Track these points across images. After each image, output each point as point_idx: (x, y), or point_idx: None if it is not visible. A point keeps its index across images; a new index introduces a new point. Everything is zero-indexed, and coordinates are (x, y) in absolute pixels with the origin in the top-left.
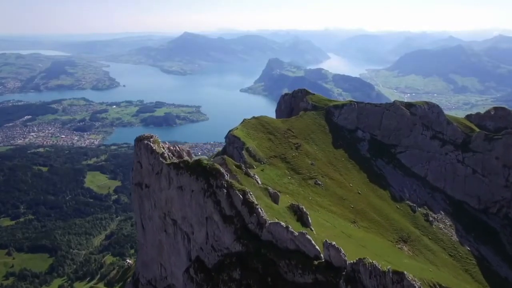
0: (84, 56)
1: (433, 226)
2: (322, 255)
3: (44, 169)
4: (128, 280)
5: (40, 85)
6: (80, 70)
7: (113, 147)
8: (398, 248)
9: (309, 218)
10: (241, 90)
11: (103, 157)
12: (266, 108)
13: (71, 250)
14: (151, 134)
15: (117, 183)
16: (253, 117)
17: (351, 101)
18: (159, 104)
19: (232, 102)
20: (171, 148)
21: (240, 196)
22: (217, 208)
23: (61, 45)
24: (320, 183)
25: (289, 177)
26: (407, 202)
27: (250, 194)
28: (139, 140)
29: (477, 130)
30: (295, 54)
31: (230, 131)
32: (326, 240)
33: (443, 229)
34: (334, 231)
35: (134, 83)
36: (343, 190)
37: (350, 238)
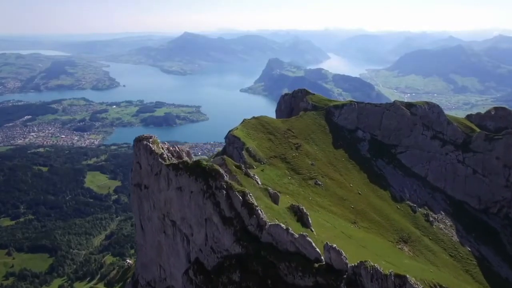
0: (84, 56)
1: (434, 226)
2: (322, 257)
3: (44, 169)
4: (128, 280)
5: (40, 85)
6: (80, 70)
7: (113, 147)
8: (399, 248)
9: (309, 219)
10: (241, 90)
11: (103, 157)
12: (266, 108)
13: (71, 250)
14: (151, 135)
15: (117, 183)
16: (253, 117)
17: (351, 101)
18: (159, 104)
19: (232, 102)
20: (171, 148)
21: (240, 197)
22: (216, 209)
23: (61, 45)
24: (320, 183)
25: (289, 178)
26: (408, 202)
27: (250, 195)
28: (138, 140)
29: (478, 130)
30: (295, 54)
31: (230, 131)
32: (327, 243)
33: (444, 230)
34: (334, 232)
35: (134, 83)
36: (343, 190)
37: (350, 239)
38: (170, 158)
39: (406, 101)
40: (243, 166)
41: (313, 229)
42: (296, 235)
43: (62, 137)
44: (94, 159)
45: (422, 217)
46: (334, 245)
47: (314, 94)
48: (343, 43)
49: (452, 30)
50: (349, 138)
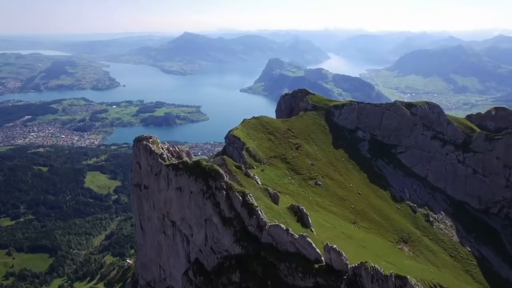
0: (84, 56)
1: (434, 226)
2: (323, 258)
3: (44, 169)
4: (128, 280)
5: (40, 85)
6: (80, 70)
7: (113, 147)
8: (399, 248)
9: (310, 219)
10: (241, 90)
11: (103, 157)
12: (266, 108)
13: (71, 250)
14: (150, 135)
15: (117, 183)
16: (253, 117)
17: (351, 101)
18: (159, 104)
19: (232, 102)
20: (170, 148)
21: (240, 197)
22: (216, 210)
23: (61, 45)
24: (320, 183)
25: (289, 178)
26: (408, 202)
27: (250, 196)
28: (138, 140)
29: (478, 130)
30: (295, 54)
31: (230, 131)
32: (327, 244)
33: (444, 230)
34: (334, 232)
35: (134, 83)
36: (343, 190)
37: (350, 239)
38: (170, 158)
39: (406, 101)
40: (243, 166)
41: (313, 229)
42: (296, 236)
43: (62, 137)
44: (94, 159)
45: (422, 217)
46: (335, 246)
47: (314, 94)
48: (343, 43)
49: (452, 30)
50: (349, 138)
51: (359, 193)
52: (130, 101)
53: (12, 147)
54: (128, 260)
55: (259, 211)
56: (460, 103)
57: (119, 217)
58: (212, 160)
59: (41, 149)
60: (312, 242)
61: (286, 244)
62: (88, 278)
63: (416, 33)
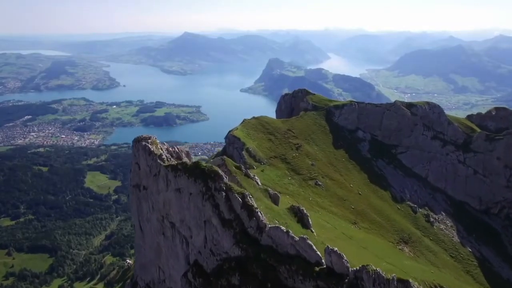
0: (84, 56)
1: (434, 227)
2: (323, 260)
3: (44, 169)
4: (127, 281)
5: (40, 85)
6: (80, 70)
7: (113, 147)
8: (399, 249)
9: (310, 220)
10: (241, 90)
11: (103, 157)
12: (266, 108)
13: (71, 250)
14: (149, 135)
15: (117, 183)
16: (253, 117)
17: (351, 101)
18: (159, 104)
19: (232, 102)
20: (170, 149)
21: (239, 199)
22: (215, 211)
23: (61, 45)
24: (321, 183)
25: (289, 178)
26: (408, 203)
27: (250, 197)
28: (137, 141)
29: (478, 130)
30: (295, 54)
31: (230, 131)
32: (327, 246)
33: (444, 230)
34: (334, 233)
35: (134, 83)
36: (343, 190)
37: (351, 240)
38: (169, 159)
39: (406, 101)
40: (243, 166)
41: (313, 230)
42: (297, 238)
43: (62, 137)
44: (94, 159)
45: (423, 217)
46: (335, 249)
47: (314, 94)
48: (343, 43)
49: (452, 30)
50: (350, 138)
51: (360, 194)
52: (130, 101)
53: (12, 147)
54: (128, 260)
55: (259, 213)
56: (460, 103)
57: (119, 217)
58: (212, 160)
59: (41, 149)
60: (312, 245)
61: (286, 246)
62: (88, 278)
63: (416, 33)
